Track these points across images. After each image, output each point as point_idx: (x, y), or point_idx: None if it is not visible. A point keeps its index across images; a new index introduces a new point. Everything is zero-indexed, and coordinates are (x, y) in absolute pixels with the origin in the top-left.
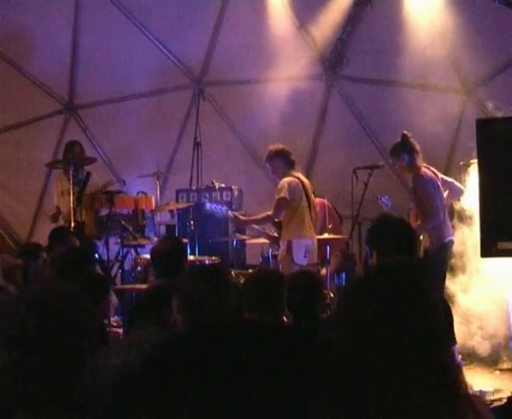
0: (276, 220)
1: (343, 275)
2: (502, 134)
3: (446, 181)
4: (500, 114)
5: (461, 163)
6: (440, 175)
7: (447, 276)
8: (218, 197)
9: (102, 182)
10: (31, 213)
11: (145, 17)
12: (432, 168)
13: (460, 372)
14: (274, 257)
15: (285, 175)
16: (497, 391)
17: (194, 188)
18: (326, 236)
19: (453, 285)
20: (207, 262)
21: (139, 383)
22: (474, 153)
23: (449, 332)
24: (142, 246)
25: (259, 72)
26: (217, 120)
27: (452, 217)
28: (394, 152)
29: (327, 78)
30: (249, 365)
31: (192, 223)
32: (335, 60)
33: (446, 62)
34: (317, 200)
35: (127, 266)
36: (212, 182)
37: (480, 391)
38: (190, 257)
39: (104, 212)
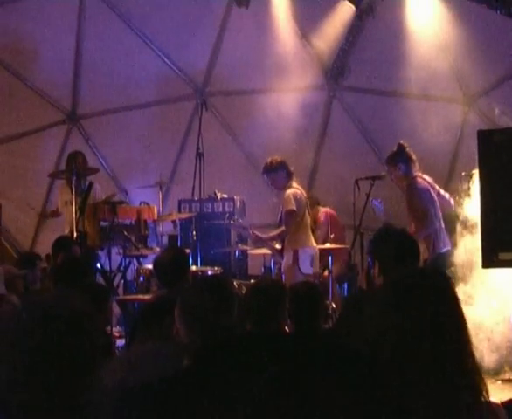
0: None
1: (345, 285)
2: (503, 145)
3: (440, 194)
4: (506, 119)
5: (463, 173)
6: (436, 187)
7: None
8: (221, 208)
9: (104, 192)
10: (33, 223)
11: (148, 27)
12: (428, 178)
13: (482, 378)
14: (278, 268)
15: (286, 187)
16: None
17: (196, 198)
18: (328, 245)
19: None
20: (209, 272)
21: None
22: (477, 163)
23: None
24: (145, 256)
25: (261, 83)
26: (220, 131)
27: (454, 227)
28: (390, 161)
29: (329, 88)
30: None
31: (194, 233)
32: (337, 71)
33: (448, 72)
34: (322, 209)
35: (129, 276)
36: (215, 193)
37: None
38: (193, 268)
39: (106, 222)
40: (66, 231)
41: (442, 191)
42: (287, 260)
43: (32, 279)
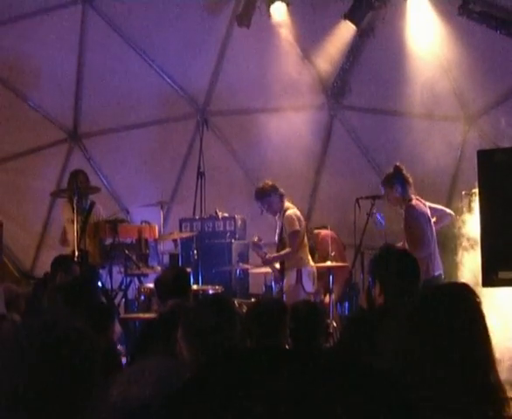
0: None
1: (346, 304)
2: (503, 165)
3: (435, 208)
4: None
5: (463, 192)
6: (428, 204)
7: None
8: (222, 227)
9: (106, 211)
10: (34, 241)
11: (149, 46)
12: (422, 200)
13: (505, 392)
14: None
15: (281, 209)
16: None
17: (197, 217)
18: (328, 264)
19: None
20: (210, 291)
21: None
22: (477, 182)
23: None
24: (146, 275)
25: (262, 102)
26: (221, 150)
27: (454, 245)
28: (387, 183)
29: (330, 107)
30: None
31: (196, 252)
32: (338, 90)
33: (449, 92)
34: (323, 232)
35: (130, 295)
36: (216, 212)
37: None
38: (194, 287)
39: (108, 241)
40: (68, 250)
41: (437, 205)
42: (289, 280)
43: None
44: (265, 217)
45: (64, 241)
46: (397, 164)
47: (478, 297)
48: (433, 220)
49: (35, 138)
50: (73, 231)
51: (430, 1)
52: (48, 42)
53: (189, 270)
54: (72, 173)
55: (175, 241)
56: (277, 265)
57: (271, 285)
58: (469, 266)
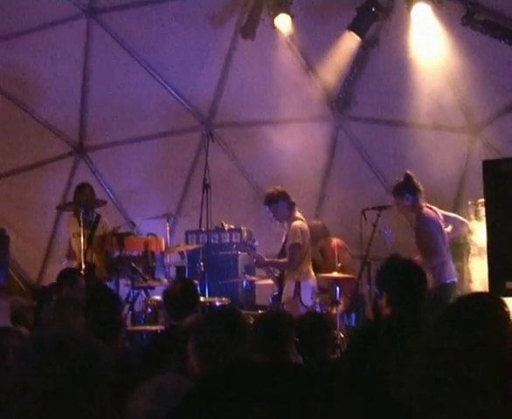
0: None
1: (353, 315)
2: (509, 175)
3: (449, 216)
4: None
5: (469, 202)
6: (441, 212)
7: None
8: (228, 239)
9: (111, 224)
10: (41, 255)
11: (153, 59)
12: (434, 208)
13: None
14: (276, 298)
15: (289, 218)
16: None
17: (203, 229)
18: (335, 274)
19: None
20: (217, 303)
21: None
22: (482, 192)
23: None
24: (153, 288)
25: (267, 114)
26: (226, 162)
27: (462, 252)
28: (397, 192)
29: (335, 119)
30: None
31: (202, 264)
32: (342, 101)
33: (453, 102)
34: (334, 241)
35: (137, 308)
36: (222, 224)
37: None
38: (200, 299)
39: (114, 254)
40: (75, 264)
41: (450, 214)
42: (287, 291)
43: (47, 313)
44: (270, 228)
45: (70, 255)
46: (408, 172)
47: (507, 308)
48: (449, 229)
49: (41, 151)
50: (79, 245)
51: (434, 11)
52: (53, 55)
53: (195, 282)
54: (77, 186)
55: (181, 253)
56: (275, 274)
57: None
58: (477, 274)
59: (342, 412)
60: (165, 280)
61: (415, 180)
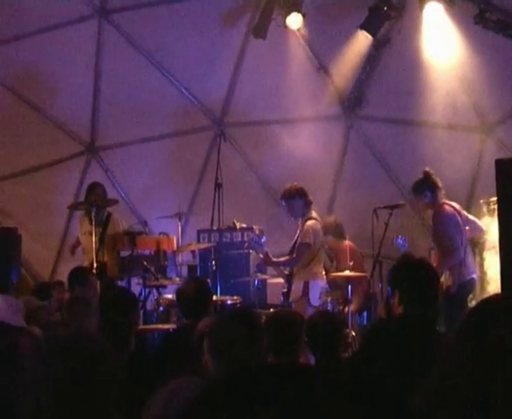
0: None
1: (365, 314)
2: None
3: (469, 219)
4: None
5: (482, 201)
6: (464, 213)
7: None
8: (239, 238)
9: (123, 222)
10: (52, 254)
11: (165, 58)
12: (455, 205)
13: None
14: (285, 295)
15: (303, 216)
16: None
17: (215, 228)
18: (347, 273)
19: None
20: (229, 302)
21: None
22: (495, 191)
23: None
24: (164, 287)
25: (279, 113)
26: (238, 161)
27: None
28: (416, 189)
29: (346, 118)
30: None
31: (214, 263)
32: (354, 101)
33: (466, 101)
34: (345, 242)
35: (149, 307)
36: (233, 223)
37: None
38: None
39: (126, 253)
40: (86, 263)
41: (471, 216)
42: (296, 290)
43: (48, 310)
44: (282, 227)
45: (72, 251)
46: (427, 170)
47: None
48: (466, 229)
49: (52, 151)
50: (91, 244)
51: (446, 10)
52: (65, 56)
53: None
54: (89, 186)
55: (193, 252)
56: (285, 271)
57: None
58: (493, 272)
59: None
60: (177, 279)
61: (434, 177)
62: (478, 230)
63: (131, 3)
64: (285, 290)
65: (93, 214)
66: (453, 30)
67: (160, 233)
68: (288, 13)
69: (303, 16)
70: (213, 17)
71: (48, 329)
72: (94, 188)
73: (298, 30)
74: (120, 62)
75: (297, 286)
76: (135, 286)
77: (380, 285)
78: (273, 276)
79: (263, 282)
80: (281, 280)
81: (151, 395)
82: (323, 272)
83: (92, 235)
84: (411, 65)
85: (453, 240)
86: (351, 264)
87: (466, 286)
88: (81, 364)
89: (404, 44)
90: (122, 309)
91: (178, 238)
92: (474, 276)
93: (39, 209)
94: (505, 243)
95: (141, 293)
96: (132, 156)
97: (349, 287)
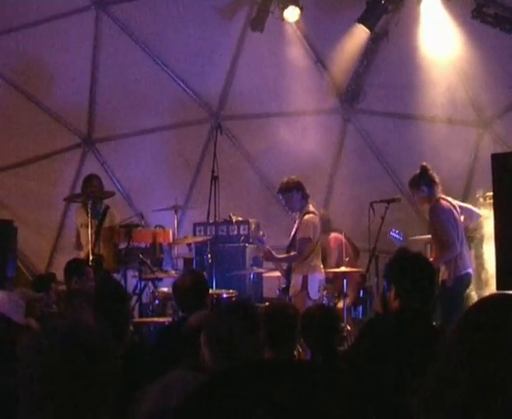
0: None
1: (360, 308)
2: None
3: (464, 207)
4: None
5: (477, 195)
6: (457, 203)
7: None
8: (236, 231)
9: (120, 215)
10: (48, 246)
11: (163, 51)
12: (449, 199)
13: None
14: (283, 290)
15: (301, 209)
16: None
17: (211, 221)
18: (343, 269)
19: None
20: (224, 295)
21: None
22: (491, 185)
23: None
24: (160, 279)
25: (276, 106)
26: (235, 154)
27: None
28: (413, 183)
29: (343, 112)
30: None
31: (210, 256)
32: (351, 94)
33: (463, 95)
34: (332, 235)
35: (144, 299)
36: (230, 216)
37: None
38: None
39: (122, 245)
40: (82, 255)
41: (465, 204)
42: (295, 285)
43: (47, 302)
44: (279, 221)
45: (78, 245)
46: (424, 164)
47: None
48: (462, 218)
49: (49, 143)
50: (87, 236)
51: (443, 4)
52: (62, 47)
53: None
54: (85, 177)
55: (189, 245)
56: (284, 266)
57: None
58: (491, 263)
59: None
60: (173, 272)
61: (431, 172)
62: (475, 217)
63: None
64: (283, 286)
65: (89, 206)
66: (451, 24)
67: (156, 226)
68: (286, 6)
69: (301, 9)
70: (211, 9)
71: (45, 321)
72: (91, 180)
73: (295, 23)
74: (117, 54)
75: (296, 280)
76: (131, 279)
77: (376, 279)
78: (270, 269)
79: (259, 275)
80: (277, 274)
81: (143, 389)
82: (321, 266)
83: (88, 227)
84: (409, 59)
85: (449, 235)
86: (347, 259)
87: (462, 280)
88: (80, 356)
89: (401, 38)
90: (118, 300)
91: (174, 231)
92: (470, 270)
93: (35, 201)
94: (500, 237)
95: (136, 286)
96: (129, 149)
97: (345, 281)
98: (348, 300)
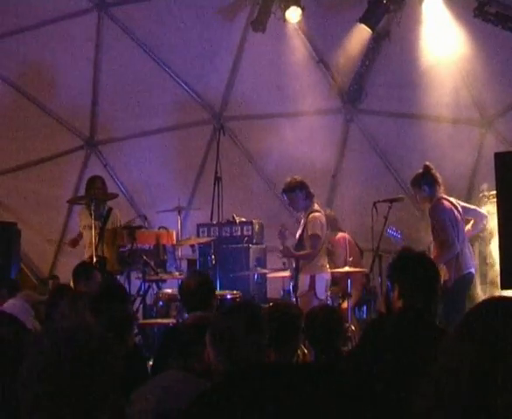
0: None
1: (364, 308)
2: None
3: (469, 209)
4: None
5: (481, 195)
6: (462, 204)
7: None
8: (239, 232)
9: (123, 217)
10: (52, 248)
11: (165, 52)
12: (452, 199)
13: None
14: (292, 290)
15: (306, 209)
16: None
17: (215, 222)
18: (347, 269)
19: None
20: (228, 296)
21: None
22: (494, 184)
23: None
24: (164, 281)
25: (278, 107)
26: (238, 155)
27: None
28: (415, 183)
29: (346, 112)
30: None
31: (213, 257)
32: (354, 94)
33: (465, 94)
34: (340, 234)
35: (148, 301)
36: (233, 217)
37: None
38: None
39: (126, 247)
40: (86, 256)
41: (470, 205)
42: (302, 285)
43: (63, 310)
44: (282, 221)
45: (73, 243)
46: (427, 164)
47: None
48: (469, 226)
49: (52, 145)
50: (91, 238)
51: (445, 3)
52: (64, 49)
53: None
54: (89, 179)
55: (192, 246)
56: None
57: (289, 290)
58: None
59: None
60: (177, 273)
61: (434, 171)
62: (482, 218)
63: None
64: (292, 284)
65: (92, 208)
66: (453, 23)
67: (159, 227)
68: (287, 6)
69: (302, 9)
70: (213, 10)
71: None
72: (94, 181)
73: (297, 23)
74: (119, 56)
75: (303, 280)
76: (135, 281)
77: (379, 279)
78: (273, 270)
79: (263, 276)
80: (281, 274)
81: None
82: (327, 266)
83: (91, 229)
84: (411, 59)
85: (448, 234)
86: (351, 259)
87: (463, 280)
88: (80, 358)
89: (403, 38)
90: (118, 302)
91: (178, 232)
92: (472, 270)
93: (38, 204)
94: (504, 236)
95: (140, 288)
96: (131, 150)
97: (349, 281)
98: (352, 300)
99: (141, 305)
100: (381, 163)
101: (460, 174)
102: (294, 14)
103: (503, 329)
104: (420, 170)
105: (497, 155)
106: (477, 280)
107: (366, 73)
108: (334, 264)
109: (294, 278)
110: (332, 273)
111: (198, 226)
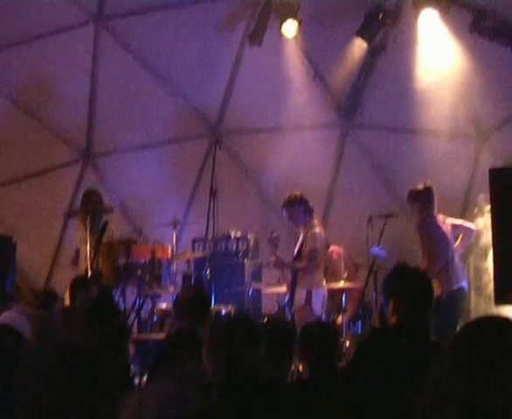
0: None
1: (359, 323)
2: None
3: (456, 225)
4: None
5: (476, 210)
6: (448, 221)
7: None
8: (234, 246)
9: (118, 231)
10: (47, 262)
11: (161, 65)
12: (441, 216)
13: None
14: (287, 304)
15: (305, 223)
16: None
17: (210, 237)
18: (341, 284)
19: None
20: (223, 311)
21: None
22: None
23: None
24: (159, 296)
25: (274, 121)
26: (233, 169)
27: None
28: (411, 197)
29: (342, 126)
30: None
31: (208, 272)
32: (350, 108)
33: (460, 109)
34: (332, 247)
35: (143, 316)
36: (228, 231)
37: None
38: None
39: (121, 261)
40: (81, 270)
41: (457, 220)
42: (298, 298)
43: (49, 320)
44: (279, 236)
45: (75, 261)
46: (428, 184)
47: None
48: (460, 238)
49: (48, 158)
50: (86, 252)
51: (441, 18)
52: (61, 62)
53: None
54: (84, 193)
55: (188, 261)
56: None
57: (283, 305)
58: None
59: None
60: (172, 288)
61: (431, 190)
62: (470, 232)
63: (127, 9)
64: (287, 299)
65: (88, 221)
66: (449, 38)
67: (155, 241)
68: (284, 20)
69: (299, 22)
70: (210, 24)
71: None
72: (90, 195)
73: (294, 37)
74: (116, 69)
75: (300, 295)
76: (130, 295)
77: (374, 295)
78: (268, 285)
79: (258, 291)
80: (276, 289)
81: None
82: (324, 281)
83: (87, 243)
84: (407, 73)
85: (436, 246)
86: (346, 274)
87: (454, 295)
88: (68, 373)
89: (399, 52)
90: (110, 316)
91: (173, 247)
92: (463, 283)
93: (34, 217)
94: (498, 251)
95: (135, 302)
96: (127, 163)
97: (344, 297)
98: (347, 315)
99: (136, 320)
100: (376, 177)
101: (456, 188)
102: (290, 27)
103: (493, 352)
104: (419, 186)
105: (492, 171)
106: (472, 293)
107: (362, 87)
108: (329, 278)
109: (291, 291)
110: (329, 288)
111: (194, 240)
